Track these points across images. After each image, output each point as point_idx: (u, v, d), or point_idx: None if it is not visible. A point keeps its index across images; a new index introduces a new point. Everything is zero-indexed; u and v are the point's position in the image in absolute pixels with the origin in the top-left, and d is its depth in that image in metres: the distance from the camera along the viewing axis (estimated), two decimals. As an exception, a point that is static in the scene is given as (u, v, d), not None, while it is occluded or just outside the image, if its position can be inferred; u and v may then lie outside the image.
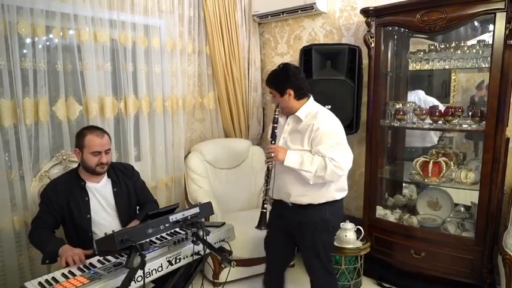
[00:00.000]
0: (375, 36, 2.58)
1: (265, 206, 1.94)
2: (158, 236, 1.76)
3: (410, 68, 2.79)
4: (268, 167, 1.93)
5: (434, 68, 2.62)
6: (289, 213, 1.98)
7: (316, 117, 1.90)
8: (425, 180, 2.59)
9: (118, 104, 2.56)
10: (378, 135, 2.69)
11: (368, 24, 2.59)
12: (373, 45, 2.59)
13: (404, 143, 3.09)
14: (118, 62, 2.53)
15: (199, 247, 1.70)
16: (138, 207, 2.18)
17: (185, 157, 3.04)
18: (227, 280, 2.44)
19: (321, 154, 1.83)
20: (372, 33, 2.58)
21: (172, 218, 1.57)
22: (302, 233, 1.96)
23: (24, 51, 2.09)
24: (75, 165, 2.26)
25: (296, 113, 1.95)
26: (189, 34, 3.01)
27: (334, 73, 2.71)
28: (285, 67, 1.98)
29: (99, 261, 1.67)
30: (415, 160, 2.66)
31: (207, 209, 1.71)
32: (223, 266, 1.75)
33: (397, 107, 2.67)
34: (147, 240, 1.48)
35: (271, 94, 2.00)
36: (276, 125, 1.97)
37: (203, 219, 1.71)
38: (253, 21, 3.51)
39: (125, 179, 2.10)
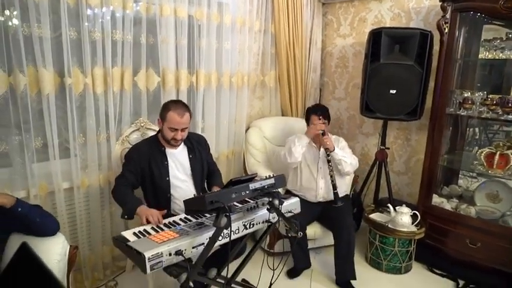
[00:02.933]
0: (449, 21, 2.53)
1: (336, 187, 2.52)
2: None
3: (481, 56, 2.71)
4: (329, 160, 2.54)
5: (510, 58, 2.54)
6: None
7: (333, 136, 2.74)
8: (489, 171, 2.57)
9: (190, 78, 2.71)
10: (443, 123, 2.67)
11: (444, 9, 2.53)
12: (446, 30, 2.54)
13: (466, 133, 3.04)
14: (193, 37, 2.66)
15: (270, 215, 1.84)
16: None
17: (245, 131, 3.18)
18: (284, 250, 2.60)
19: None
20: (446, 18, 2.53)
21: (252, 186, 1.69)
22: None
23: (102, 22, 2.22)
24: (151, 133, 2.46)
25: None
26: (256, 12, 3.07)
27: (403, 58, 2.69)
28: None
29: (181, 219, 1.85)
30: (480, 151, 2.62)
31: (280, 180, 1.82)
32: (290, 235, 1.87)
33: (465, 95, 2.62)
34: (232, 203, 1.62)
35: (325, 124, 2.59)
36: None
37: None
38: (317, 1, 3.51)
39: (199, 148, 2.26)
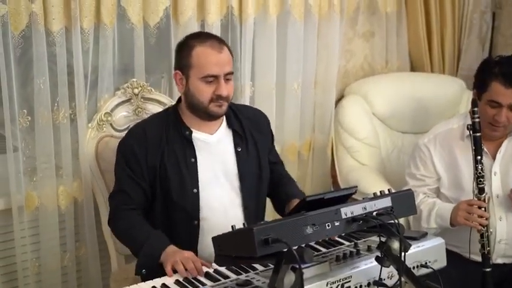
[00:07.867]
0: None
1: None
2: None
3: None
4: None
5: None
6: None
7: None
8: None
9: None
10: None
11: None
12: None
13: None
14: None
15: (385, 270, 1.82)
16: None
17: (335, 104, 3.20)
18: None
19: None
20: None
21: (346, 211, 1.67)
22: None
23: None
24: (153, 108, 2.52)
25: None
26: None
27: None
28: None
29: (207, 275, 1.88)
30: None
31: (406, 202, 1.79)
32: (424, 312, 1.84)
33: None
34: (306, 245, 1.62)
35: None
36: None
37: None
38: None
39: (253, 133, 2.28)
